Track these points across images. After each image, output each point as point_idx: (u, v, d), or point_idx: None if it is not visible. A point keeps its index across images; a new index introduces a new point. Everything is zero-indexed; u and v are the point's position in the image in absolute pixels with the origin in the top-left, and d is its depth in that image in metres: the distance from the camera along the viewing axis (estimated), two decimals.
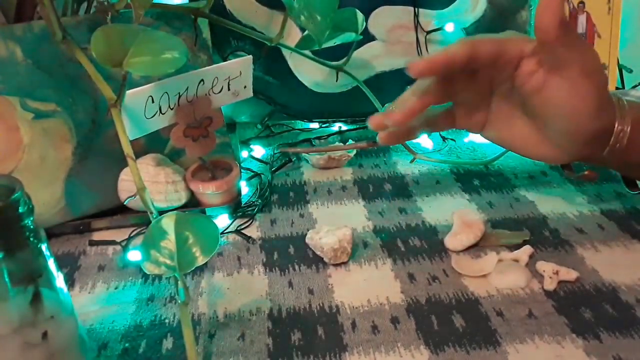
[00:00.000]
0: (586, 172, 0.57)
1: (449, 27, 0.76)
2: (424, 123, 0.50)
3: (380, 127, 0.48)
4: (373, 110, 0.68)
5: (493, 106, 0.49)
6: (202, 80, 0.56)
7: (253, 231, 0.58)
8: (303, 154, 0.72)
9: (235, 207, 0.61)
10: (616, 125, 0.46)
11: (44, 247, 0.36)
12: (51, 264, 0.37)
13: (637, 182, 0.58)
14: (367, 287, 0.49)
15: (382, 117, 0.47)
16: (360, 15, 0.67)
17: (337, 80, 0.71)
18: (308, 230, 0.56)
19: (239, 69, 0.58)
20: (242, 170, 0.66)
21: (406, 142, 0.51)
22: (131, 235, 0.58)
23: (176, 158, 0.62)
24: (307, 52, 0.69)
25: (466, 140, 0.75)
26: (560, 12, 0.41)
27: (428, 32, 0.77)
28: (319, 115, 0.81)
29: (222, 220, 0.60)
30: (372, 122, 0.48)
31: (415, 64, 0.44)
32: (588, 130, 0.45)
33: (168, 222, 0.42)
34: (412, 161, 0.68)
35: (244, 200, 0.62)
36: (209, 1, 0.60)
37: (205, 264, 0.51)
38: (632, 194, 0.59)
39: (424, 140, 0.74)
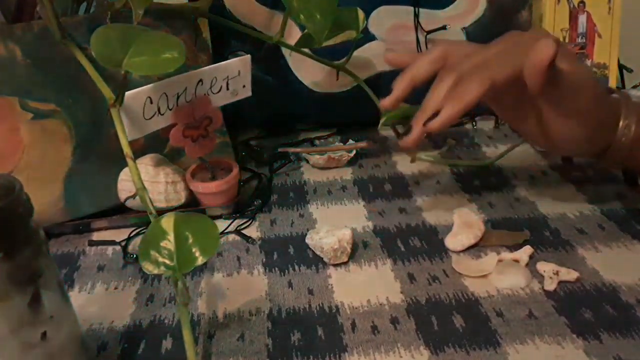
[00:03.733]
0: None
1: (449, 27, 0.76)
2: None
3: (391, 106, 0.52)
4: (373, 110, 0.68)
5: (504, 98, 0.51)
6: (201, 80, 0.56)
7: (253, 231, 0.58)
8: (303, 154, 0.72)
9: (235, 207, 0.61)
10: (621, 121, 0.49)
11: (43, 247, 0.36)
12: (51, 264, 0.37)
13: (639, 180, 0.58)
14: (367, 287, 0.49)
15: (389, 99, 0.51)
16: (361, 14, 0.67)
17: (337, 80, 0.71)
18: (308, 231, 0.56)
19: (238, 69, 0.58)
20: (242, 170, 0.66)
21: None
22: (131, 235, 0.58)
23: (176, 158, 0.62)
24: (307, 51, 0.69)
25: (466, 140, 0.75)
26: (544, 75, 0.43)
27: (428, 32, 0.77)
28: (319, 115, 0.81)
29: (222, 220, 0.60)
30: (384, 104, 0.52)
31: (385, 102, 0.51)
32: (592, 138, 0.49)
33: (168, 222, 0.42)
34: (412, 161, 0.68)
35: (244, 201, 0.62)
36: (208, 1, 0.60)
37: (205, 264, 0.51)
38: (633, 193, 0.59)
39: (424, 141, 0.74)
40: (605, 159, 0.51)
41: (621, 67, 0.79)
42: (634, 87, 0.80)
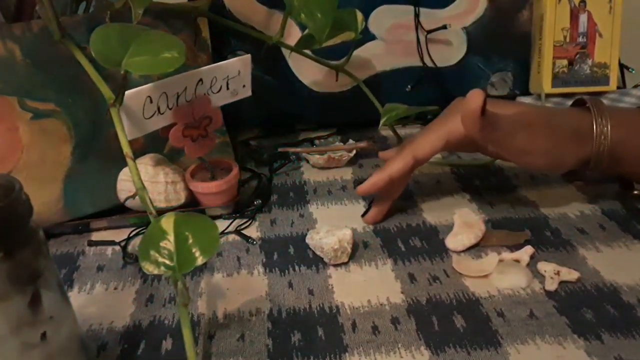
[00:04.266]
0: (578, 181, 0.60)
1: (450, 27, 0.76)
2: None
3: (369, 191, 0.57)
4: (373, 110, 0.68)
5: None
6: (201, 79, 0.55)
7: (253, 231, 0.58)
8: (303, 154, 0.72)
9: (235, 207, 0.61)
10: (595, 129, 0.52)
11: (43, 247, 0.36)
12: (50, 264, 0.37)
13: (634, 183, 0.58)
14: (367, 287, 0.49)
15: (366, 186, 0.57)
16: (360, 15, 0.67)
17: (336, 80, 0.71)
18: (308, 231, 0.56)
19: (238, 68, 0.58)
20: (242, 170, 0.66)
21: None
22: (130, 235, 0.58)
23: (176, 158, 0.62)
24: (307, 51, 0.69)
25: None
26: (478, 120, 0.49)
27: (428, 32, 0.77)
28: (319, 115, 0.81)
29: (222, 220, 0.59)
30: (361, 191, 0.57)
31: (361, 190, 0.56)
32: (562, 165, 0.54)
33: (167, 222, 0.42)
34: None
35: (244, 201, 0.62)
36: (208, 0, 0.60)
37: (205, 264, 0.51)
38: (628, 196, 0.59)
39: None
40: (592, 169, 0.53)
41: (622, 67, 0.79)
42: (635, 87, 0.80)
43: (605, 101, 0.55)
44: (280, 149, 0.73)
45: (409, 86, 0.79)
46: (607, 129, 0.51)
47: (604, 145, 0.51)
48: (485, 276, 0.50)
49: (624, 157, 0.52)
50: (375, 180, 0.56)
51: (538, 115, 0.53)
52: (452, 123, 0.54)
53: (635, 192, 0.58)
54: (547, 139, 0.51)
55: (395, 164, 0.55)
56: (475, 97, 0.49)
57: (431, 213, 0.60)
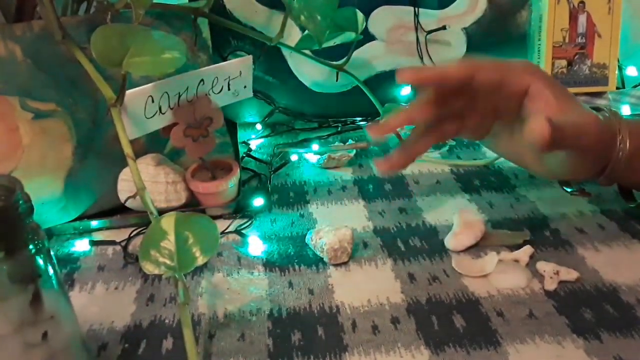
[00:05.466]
0: (579, 191, 0.59)
1: (449, 27, 0.77)
2: (425, 134, 0.52)
3: (379, 133, 0.50)
4: (373, 110, 0.68)
5: (496, 125, 0.50)
6: (202, 80, 0.56)
7: (253, 231, 0.58)
8: (303, 154, 0.72)
9: (235, 207, 0.61)
10: (618, 137, 0.49)
11: (43, 247, 0.36)
12: (51, 264, 0.37)
13: (634, 192, 0.58)
14: (367, 287, 0.49)
15: (379, 125, 0.50)
16: (360, 15, 0.67)
17: (337, 80, 0.71)
18: (308, 230, 0.56)
19: (239, 69, 0.58)
20: (242, 170, 0.66)
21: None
22: (131, 235, 0.58)
23: (176, 158, 0.62)
24: (307, 52, 0.69)
25: (466, 140, 0.75)
26: (547, 136, 0.42)
27: (428, 32, 0.77)
28: (319, 115, 0.81)
29: (222, 220, 0.60)
30: (370, 130, 0.49)
31: (403, 72, 0.46)
32: (590, 165, 0.50)
33: (168, 222, 0.42)
34: None
35: (244, 201, 0.62)
36: (208, 1, 0.60)
37: (205, 264, 0.51)
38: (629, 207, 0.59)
39: None
40: (604, 177, 0.51)
41: (620, 67, 0.79)
42: (635, 87, 0.80)
43: (604, 102, 0.55)
44: (280, 149, 0.73)
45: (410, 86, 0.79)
46: (627, 136, 0.49)
47: (623, 152, 0.49)
48: (485, 276, 0.50)
49: (637, 165, 0.50)
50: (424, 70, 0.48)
51: (595, 121, 0.49)
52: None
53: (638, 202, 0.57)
54: (599, 139, 0.48)
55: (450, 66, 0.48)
56: (543, 131, 0.42)
57: (431, 213, 0.60)
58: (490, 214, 0.59)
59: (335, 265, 0.52)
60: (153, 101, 0.52)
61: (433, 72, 0.48)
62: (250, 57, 0.59)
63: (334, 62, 0.69)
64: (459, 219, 0.56)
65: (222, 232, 0.58)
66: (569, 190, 0.60)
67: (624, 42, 0.76)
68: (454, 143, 0.74)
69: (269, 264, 0.53)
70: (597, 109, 0.53)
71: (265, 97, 0.79)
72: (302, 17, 0.58)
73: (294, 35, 0.74)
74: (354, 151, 0.71)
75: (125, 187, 0.57)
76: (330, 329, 0.45)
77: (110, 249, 0.56)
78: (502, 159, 0.67)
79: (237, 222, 0.59)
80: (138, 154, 0.52)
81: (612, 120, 0.50)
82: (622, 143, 0.49)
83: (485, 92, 0.48)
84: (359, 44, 0.74)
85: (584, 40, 0.76)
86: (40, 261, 0.36)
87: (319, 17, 0.59)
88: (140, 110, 0.52)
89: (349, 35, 0.67)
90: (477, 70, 0.47)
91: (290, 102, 0.80)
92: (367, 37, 0.77)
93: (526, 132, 0.43)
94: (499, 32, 0.78)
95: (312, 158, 0.71)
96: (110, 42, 0.48)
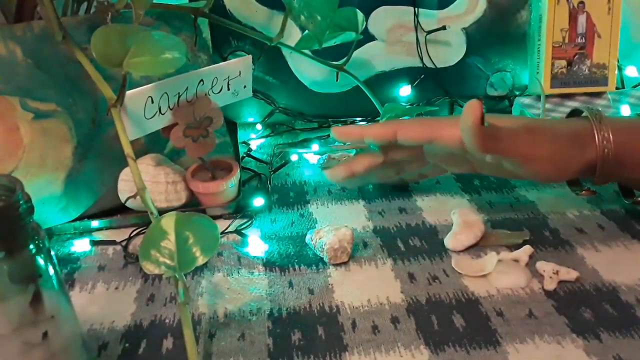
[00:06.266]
0: (584, 191, 0.58)
1: (449, 27, 0.77)
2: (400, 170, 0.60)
3: (340, 136, 0.58)
4: (373, 110, 0.68)
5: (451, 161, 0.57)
6: (202, 80, 0.56)
7: (253, 231, 0.58)
8: (303, 154, 0.72)
9: (235, 207, 0.61)
10: (596, 135, 0.51)
11: (44, 247, 0.36)
12: (51, 263, 0.37)
13: (635, 191, 0.58)
14: (367, 287, 0.49)
15: (342, 129, 0.58)
16: (360, 15, 0.67)
17: (337, 80, 0.71)
18: (308, 230, 0.56)
19: (239, 69, 0.58)
20: (242, 170, 0.66)
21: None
22: (131, 235, 0.58)
23: (176, 158, 0.62)
24: (307, 52, 0.69)
25: None
26: (479, 133, 0.47)
27: (428, 32, 0.77)
28: (319, 116, 0.81)
29: (222, 220, 0.60)
30: (335, 131, 0.58)
31: (335, 129, 0.57)
32: (568, 171, 0.52)
33: (168, 222, 0.42)
34: None
35: (244, 201, 0.62)
36: (208, 1, 0.60)
37: (205, 264, 0.51)
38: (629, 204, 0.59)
39: None
40: (597, 175, 0.52)
41: (620, 67, 0.79)
42: (634, 87, 0.80)
43: (603, 102, 0.55)
44: (280, 149, 0.73)
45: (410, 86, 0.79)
46: (609, 133, 0.51)
47: (608, 148, 0.50)
48: (485, 276, 0.50)
49: (627, 161, 0.51)
50: (350, 128, 0.57)
51: (537, 122, 0.53)
52: (448, 122, 0.52)
53: (637, 199, 0.58)
54: (550, 144, 0.50)
55: (375, 126, 0.56)
56: (473, 108, 0.46)
57: (431, 213, 0.60)
58: (490, 214, 0.59)
59: (335, 265, 0.52)
60: (153, 101, 0.52)
61: (357, 131, 0.56)
62: (250, 57, 0.59)
63: (334, 62, 0.70)
64: (458, 219, 0.56)
65: (222, 232, 0.58)
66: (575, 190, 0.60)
67: (623, 42, 0.76)
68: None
69: (269, 264, 0.53)
70: (575, 112, 0.56)
71: (265, 97, 0.79)
72: (302, 17, 0.58)
73: (294, 35, 0.74)
74: (354, 151, 0.71)
75: (125, 187, 0.57)
76: (330, 328, 0.45)
77: (110, 249, 0.56)
78: None
79: (237, 222, 0.60)
80: (138, 154, 0.52)
81: (589, 118, 0.52)
82: (605, 140, 0.51)
83: (415, 146, 0.55)
84: (359, 44, 0.74)
85: (584, 41, 0.76)
86: (41, 261, 0.36)
87: (319, 17, 0.59)
88: (140, 110, 0.52)
89: (349, 35, 0.67)
90: (399, 129, 0.53)
91: (290, 102, 0.80)
92: (367, 37, 0.77)
93: (462, 133, 0.48)
94: (498, 32, 0.78)
95: (312, 158, 0.71)
96: (110, 43, 0.48)
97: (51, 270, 0.37)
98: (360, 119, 0.81)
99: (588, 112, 0.53)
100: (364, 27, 0.67)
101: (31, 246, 0.35)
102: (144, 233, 0.58)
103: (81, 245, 0.57)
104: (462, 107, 0.61)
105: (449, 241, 0.54)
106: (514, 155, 0.50)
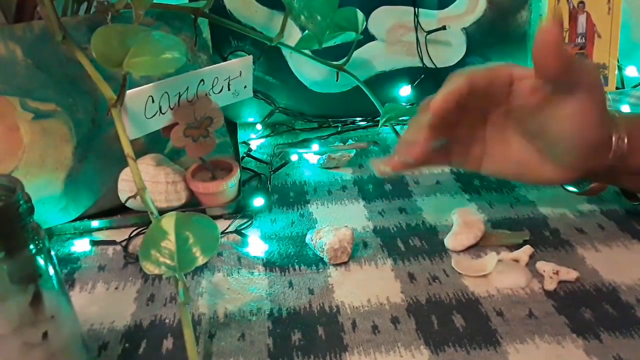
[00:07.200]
0: (589, 187, 0.57)
1: (449, 27, 0.77)
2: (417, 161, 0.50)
3: (398, 169, 0.48)
4: (373, 110, 0.68)
5: (488, 136, 0.50)
6: (202, 80, 0.56)
7: (253, 231, 0.58)
8: (303, 154, 0.72)
9: (235, 207, 0.61)
10: (613, 133, 0.47)
11: (44, 247, 0.36)
12: (51, 264, 0.37)
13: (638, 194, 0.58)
14: (367, 287, 0.49)
15: (395, 160, 0.48)
16: (360, 15, 0.67)
17: (337, 80, 0.71)
18: (308, 230, 0.56)
19: (239, 69, 0.58)
20: (242, 170, 0.66)
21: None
22: (131, 235, 0.58)
23: (176, 158, 0.62)
24: (307, 52, 0.69)
25: None
26: (560, 52, 0.40)
27: (428, 32, 0.77)
28: (319, 116, 0.81)
29: (222, 220, 0.60)
30: (389, 166, 0.48)
31: (435, 104, 0.45)
32: (593, 141, 0.45)
33: (168, 222, 0.42)
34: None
35: (244, 201, 0.62)
36: (208, 1, 0.60)
37: (206, 264, 0.51)
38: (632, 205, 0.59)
39: None
40: (601, 176, 0.51)
41: (620, 67, 0.79)
42: (634, 87, 0.80)
43: None
44: (280, 149, 0.73)
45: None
46: (624, 135, 0.47)
47: (621, 149, 0.46)
48: (485, 276, 0.50)
49: (633, 165, 0.48)
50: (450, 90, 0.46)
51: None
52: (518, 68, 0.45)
53: None
54: (603, 120, 0.45)
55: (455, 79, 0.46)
56: (552, 28, 0.39)
57: (431, 213, 0.60)
58: (490, 214, 0.59)
59: (335, 265, 0.52)
60: (153, 101, 0.52)
61: (452, 95, 0.46)
62: (251, 57, 0.59)
63: (334, 62, 0.70)
64: (458, 219, 0.56)
65: (223, 232, 0.58)
66: (576, 190, 0.60)
67: (623, 42, 0.76)
68: None
69: (269, 264, 0.53)
70: None
71: (265, 97, 0.79)
72: (302, 17, 0.58)
73: (294, 35, 0.74)
74: (354, 151, 0.72)
75: (125, 187, 0.57)
76: (330, 328, 0.45)
77: (110, 249, 0.56)
78: None
79: (237, 222, 0.60)
80: (138, 154, 0.52)
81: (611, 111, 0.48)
82: (620, 139, 0.47)
83: (476, 97, 0.47)
84: (359, 44, 0.74)
85: (584, 41, 0.76)
86: (41, 261, 0.36)
87: (319, 17, 0.59)
88: (140, 110, 0.52)
89: (349, 35, 0.67)
90: (472, 78, 0.46)
91: (290, 102, 0.80)
92: (367, 37, 0.77)
93: (537, 50, 0.41)
94: (498, 32, 0.78)
95: (312, 158, 0.71)
96: (110, 43, 0.48)
97: (51, 271, 0.37)
98: (360, 119, 0.81)
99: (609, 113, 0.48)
100: (364, 27, 0.67)
101: (31, 246, 0.35)
102: (144, 233, 0.58)
103: (81, 245, 0.57)
104: None
105: (449, 241, 0.54)
106: (578, 91, 0.43)
